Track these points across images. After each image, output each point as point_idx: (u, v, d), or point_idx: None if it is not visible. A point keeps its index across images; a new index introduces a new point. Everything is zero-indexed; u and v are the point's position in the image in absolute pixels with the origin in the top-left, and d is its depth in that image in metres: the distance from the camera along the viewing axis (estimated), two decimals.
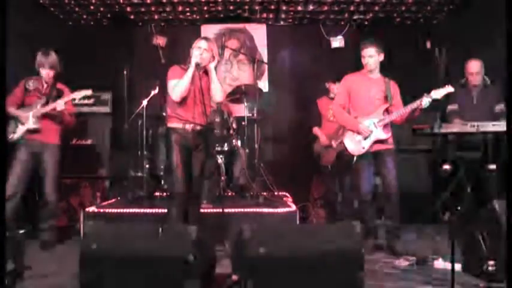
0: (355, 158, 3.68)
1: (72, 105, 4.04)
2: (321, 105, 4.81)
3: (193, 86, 3.28)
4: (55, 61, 3.90)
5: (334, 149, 4.43)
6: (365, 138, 3.63)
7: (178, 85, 3.25)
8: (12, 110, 3.80)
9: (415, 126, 4.09)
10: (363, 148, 3.65)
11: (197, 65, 3.26)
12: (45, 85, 3.91)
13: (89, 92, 3.88)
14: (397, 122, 3.69)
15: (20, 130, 3.78)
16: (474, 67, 4.22)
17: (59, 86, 3.98)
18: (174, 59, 4.05)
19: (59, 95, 3.90)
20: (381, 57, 3.70)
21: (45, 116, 3.83)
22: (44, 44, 4.16)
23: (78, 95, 3.85)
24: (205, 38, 3.42)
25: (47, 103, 3.83)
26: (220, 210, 3.46)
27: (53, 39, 5.14)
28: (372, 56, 3.65)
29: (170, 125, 3.37)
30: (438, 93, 3.50)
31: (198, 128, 3.35)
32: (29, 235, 3.92)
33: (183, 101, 3.30)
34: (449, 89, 3.52)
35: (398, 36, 5.58)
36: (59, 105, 3.75)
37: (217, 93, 3.40)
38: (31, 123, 3.77)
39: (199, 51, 3.30)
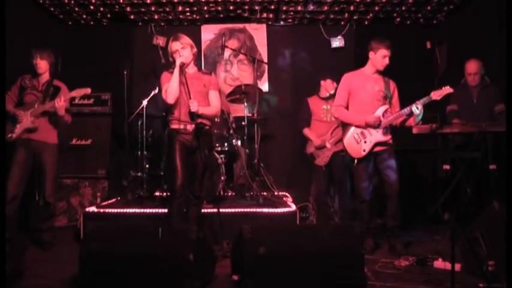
0: (355, 161, 3.67)
1: (69, 103, 3.93)
2: (312, 104, 4.63)
3: (181, 87, 3.34)
4: (50, 55, 3.88)
5: (329, 149, 4.40)
6: (368, 139, 3.61)
7: (168, 88, 3.32)
8: (10, 107, 3.76)
9: (415, 126, 4.08)
10: (364, 151, 3.63)
11: (183, 65, 3.34)
12: (41, 82, 3.86)
13: (88, 91, 3.84)
14: (393, 124, 3.69)
15: (19, 130, 3.73)
16: (473, 67, 4.21)
17: (56, 82, 3.93)
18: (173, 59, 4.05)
19: (56, 91, 3.86)
20: None
21: (43, 115, 3.79)
22: (43, 44, 4.15)
23: (78, 93, 3.82)
24: (174, 38, 3.41)
25: (44, 101, 3.79)
26: (221, 210, 3.46)
27: (53, 39, 5.15)
28: (389, 58, 3.65)
29: (172, 126, 3.43)
30: (437, 95, 3.50)
31: (195, 127, 3.36)
32: (29, 235, 3.93)
33: (175, 104, 3.36)
34: (448, 90, 3.51)
35: (398, 36, 5.58)
36: (58, 103, 3.69)
37: (213, 110, 3.52)
38: (29, 123, 3.73)
39: (179, 53, 3.34)
